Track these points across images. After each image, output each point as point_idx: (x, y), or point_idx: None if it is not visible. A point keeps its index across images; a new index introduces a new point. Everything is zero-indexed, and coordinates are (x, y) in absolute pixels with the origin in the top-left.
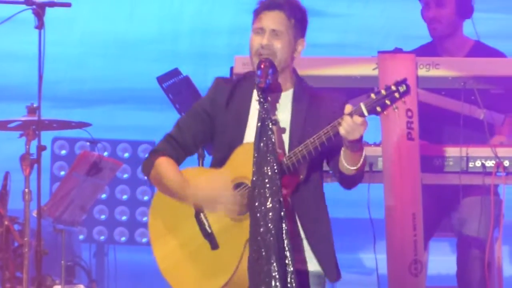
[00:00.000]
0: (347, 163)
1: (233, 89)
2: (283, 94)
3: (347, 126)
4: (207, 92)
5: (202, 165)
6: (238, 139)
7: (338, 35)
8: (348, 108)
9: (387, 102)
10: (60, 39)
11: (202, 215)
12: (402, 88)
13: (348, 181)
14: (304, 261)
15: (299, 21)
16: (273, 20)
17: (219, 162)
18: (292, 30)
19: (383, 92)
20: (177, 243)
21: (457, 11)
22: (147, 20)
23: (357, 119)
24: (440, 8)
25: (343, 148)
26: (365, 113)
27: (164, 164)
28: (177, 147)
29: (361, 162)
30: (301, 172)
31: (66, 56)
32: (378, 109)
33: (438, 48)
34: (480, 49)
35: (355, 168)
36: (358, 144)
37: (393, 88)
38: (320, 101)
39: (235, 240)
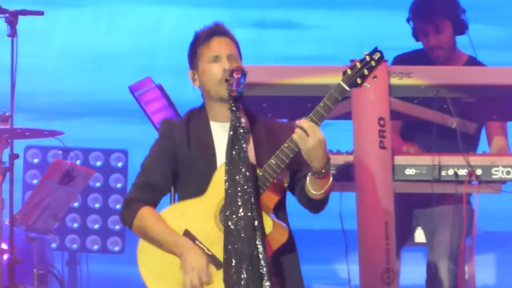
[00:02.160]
0: (312, 189)
1: (188, 125)
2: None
3: (299, 132)
4: (161, 134)
5: (174, 199)
6: (210, 171)
7: (315, 46)
8: (299, 122)
9: (365, 72)
10: (37, 52)
11: (196, 242)
12: (376, 56)
13: (315, 205)
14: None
15: (239, 47)
16: (225, 45)
17: (192, 195)
18: (239, 56)
19: (358, 64)
20: (178, 280)
21: (454, 31)
22: (125, 34)
23: (306, 123)
24: (440, 34)
25: (309, 174)
26: (346, 87)
27: (148, 217)
28: (151, 191)
29: (327, 186)
30: (284, 178)
31: (43, 69)
32: (358, 80)
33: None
34: (473, 65)
35: (321, 192)
36: (323, 170)
37: (367, 58)
38: (273, 128)
39: None
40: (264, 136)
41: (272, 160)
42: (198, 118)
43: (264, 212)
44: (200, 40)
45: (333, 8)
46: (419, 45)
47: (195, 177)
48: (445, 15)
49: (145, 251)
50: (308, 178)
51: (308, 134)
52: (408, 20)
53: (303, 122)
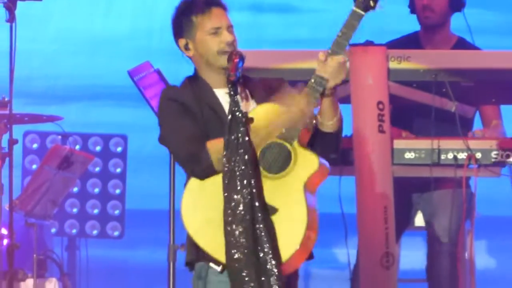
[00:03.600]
0: (327, 117)
1: (193, 91)
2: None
3: (331, 68)
4: (169, 100)
5: (174, 168)
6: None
7: (311, 30)
8: (321, 53)
9: None
10: (34, 36)
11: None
12: None
13: (333, 140)
14: None
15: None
16: (224, 16)
17: None
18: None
19: None
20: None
21: (450, 2)
22: (122, 17)
23: (340, 58)
24: None
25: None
26: (361, 12)
27: (214, 143)
28: (202, 141)
29: (339, 111)
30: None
31: (40, 53)
32: (372, 3)
33: (423, 39)
34: (462, 46)
35: (336, 118)
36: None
37: None
38: (270, 84)
39: (291, 196)
40: (263, 93)
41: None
42: (198, 85)
43: (305, 149)
44: (197, 9)
45: None
46: (414, 29)
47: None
48: None
49: (189, 202)
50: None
51: (326, 64)
52: None
53: (320, 54)
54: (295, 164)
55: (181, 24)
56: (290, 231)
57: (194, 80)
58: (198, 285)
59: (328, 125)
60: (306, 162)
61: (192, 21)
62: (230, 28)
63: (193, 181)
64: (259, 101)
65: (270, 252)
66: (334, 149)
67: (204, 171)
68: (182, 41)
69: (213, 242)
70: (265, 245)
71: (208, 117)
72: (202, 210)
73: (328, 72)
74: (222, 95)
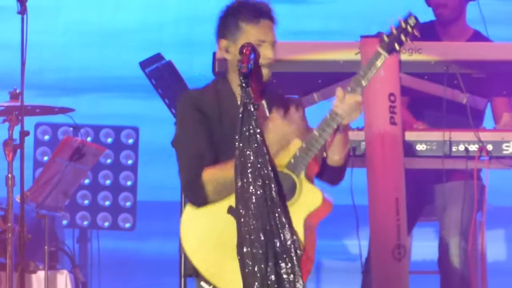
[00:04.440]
0: (335, 152)
1: (217, 100)
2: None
3: (347, 106)
4: (191, 106)
5: None
6: None
7: (322, 22)
8: (340, 90)
9: (402, 38)
10: (45, 28)
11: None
12: (411, 21)
13: (337, 173)
14: None
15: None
16: (271, 30)
17: None
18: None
19: (394, 31)
20: (223, 249)
21: None
22: (132, 9)
23: (357, 97)
24: None
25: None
26: (386, 54)
27: (213, 174)
28: (205, 166)
29: (348, 147)
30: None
31: (51, 45)
32: (397, 46)
33: (439, 30)
34: (478, 39)
35: (343, 154)
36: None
37: (403, 24)
38: (287, 102)
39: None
40: (277, 106)
41: (315, 132)
42: (223, 92)
43: (311, 184)
44: (246, 16)
45: None
46: (428, 18)
47: (226, 154)
48: None
49: (190, 228)
50: (328, 147)
51: (343, 102)
52: None
53: (338, 91)
54: (299, 197)
55: (227, 25)
56: None
57: (222, 84)
58: None
59: (335, 159)
60: (310, 197)
61: (239, 26)
62: (274, 44)
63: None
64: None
65: (288, 237)
66: (337, 181)
67: (197, 202)
68: (223, 42)
69: (206, 262)
70: (281, 233)
71: (228, 131)
72: (199, 229)
73: (344, 110)
74: None
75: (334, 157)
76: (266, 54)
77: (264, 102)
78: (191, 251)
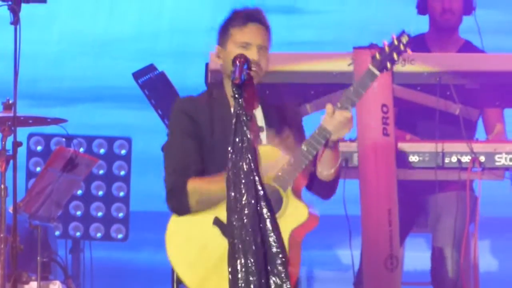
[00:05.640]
0: (325, 167)
1: (210, 107)
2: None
3: (337, 122)
4: (183, 113)
5: None
6: None
7: (316, 32)
8: (329, 106)
9: (395, 56)
10: (38, 38)
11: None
12: (404, 39)
13: (327, 188)
14: None
15: (271, 36)
16: (259, 34)
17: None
18: (268, 46)
19: (386, 49)
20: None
21: (464, 6)
22: (126, 19)
23: (347, 113)
24: (455, 0)
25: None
26: (376, 72)
27: (200, 186)
28: (191, 175)
29: (338, 162)
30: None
31: (44, 55)
32: (388, 65)
33: (429, 42)
34: (469, 48)
35: (334, 169)
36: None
37: (396, 42)
38: (284, 110)
39: None
40: (276, 118)
41: (303, 147)
42: (217, 99)
43: (297, 198)
44: (235, 21)
45: None
46: (420, 30)
47: (214, 163)
48: None
49: (174, 239)
50: (318, 161)
51: (332, 117)
52: None
53: (328, 107)
54: (285, 211)
55: (220, 33)
56: None
57: (216, 91)
58: None
59: (325, 174)
60: (295, 212)
61: (227, 31)
62: (261, 47)
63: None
64: (271, 126)
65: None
66: (328, 195)
67: (179, 210)
68: (217, 48)
69: (191, 273)
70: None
71: (219, 141)
72: (184, 240)
73: (333, 126)
74: None
75: (324, 172)
76: (251, 55)
77: (256, 112)
78: (176, 263)
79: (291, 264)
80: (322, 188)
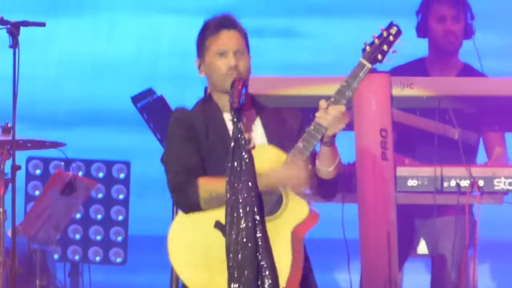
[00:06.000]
0: (325, 164)
1: (203, 114)
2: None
3: (331, 117)
4: (179, 122)
5: None
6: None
7: (314, 55)
8: (323, 101)
9: (385, 48)
10: (37, 60)
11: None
12: (393, 30)
13: (328, 187)
14: None
15: (247, 38)
16: (232, 39)
17: None
18: (246, 49)
19: (376, 41)
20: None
21: (464, 30)
22: (125, 42)
23: (341, 108)
24: (457, 23)
25: (319, 150)
26: (368, 64)
27: (213, 182)
28: (193, 173)
29: (337, 159)
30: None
31: (43, 77)
32: (379, 56)
33: (429, 66)
34: (468, 72)
35: (333, 166)
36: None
37: (385, 33)
38: (281, 114)
39: (278, 241)
40: (274, 123)
41: (300, 144)
42: (210, 108)
43: (297, 196)
44: (208, 31)
45: (332, 16)
46: (416, 55)
47: (212, 166)
48: (464, 9)
49: (176, 240)
50: (318, 156)
51: (326, 112)
52: (418, 11)
53: (321, 102)
54: (285, 209)
55: (197, 46)
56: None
57: (207, 102)
58: None
59: (325, 172)
60: (296, 209)
61: (204, 44)
62: (238, 52)
63: (181, 216)
64: (269, 131)
65: (271, 281)
66: (331, 195)
67: (188, 206)
68: (197, 62)
69: (194, 278)
70: (265, 273)
71: (214, 143)
72: (186, 244)
73: (328, 121)
74: (228, 119)
75: (323, 169)
76: (228, 62)
77: (256, 126)
78: (178, 267)
79: (295, 262)
80: (322, 188)
